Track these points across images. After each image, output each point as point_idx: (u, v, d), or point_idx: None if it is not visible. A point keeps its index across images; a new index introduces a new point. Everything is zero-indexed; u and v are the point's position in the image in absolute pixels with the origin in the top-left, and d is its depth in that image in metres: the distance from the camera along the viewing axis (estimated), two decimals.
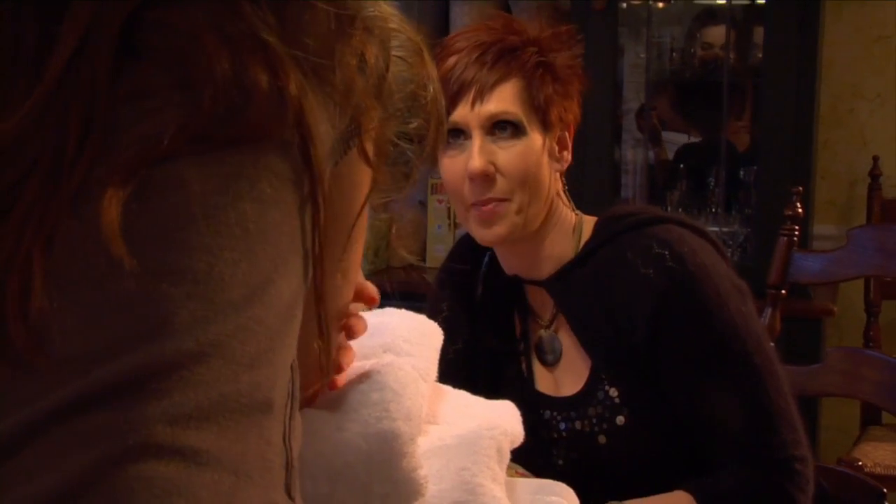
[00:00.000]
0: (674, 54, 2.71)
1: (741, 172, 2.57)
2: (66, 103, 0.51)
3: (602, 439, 1.28)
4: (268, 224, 0.55)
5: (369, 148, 0.64)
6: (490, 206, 1.27)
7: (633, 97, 2.68)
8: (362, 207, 0.71)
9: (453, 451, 0.78)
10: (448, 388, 1.03)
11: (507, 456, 0.82)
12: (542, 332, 1.36)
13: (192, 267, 0.51)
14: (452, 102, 1.27)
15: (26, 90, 0.51)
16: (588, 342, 1.30)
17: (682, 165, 2.65)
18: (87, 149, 0.50)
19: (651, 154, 2.71)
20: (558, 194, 1.33)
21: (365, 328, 0.82)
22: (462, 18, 2.65)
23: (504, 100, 1.26)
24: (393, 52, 0.68)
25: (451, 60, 1.28)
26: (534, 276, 1.34)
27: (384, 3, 0.68)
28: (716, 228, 2.49)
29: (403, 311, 1.03)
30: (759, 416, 1.23)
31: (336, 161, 0.63)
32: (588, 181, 2.46)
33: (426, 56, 0.71)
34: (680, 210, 2.51)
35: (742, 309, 1.25)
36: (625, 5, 2.56)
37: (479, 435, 0.80)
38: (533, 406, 1.35)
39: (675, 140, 2.85)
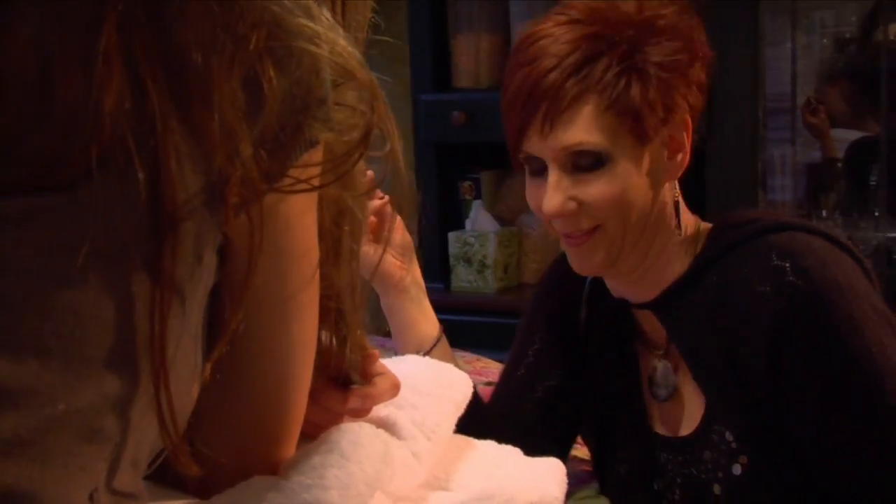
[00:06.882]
0: (848, 43, 2.46)
1: None
2: None
3: (717, 489, 1.10)
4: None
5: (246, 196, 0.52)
6: (582, 238, 1.11)
7: (785, 89, 2.44)
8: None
9: None
10: (481, 444, 0.90)
11: None
12: (657, 363, 1.18)
13: None
14: (522, 129, 1.10)
15: None
16: (701, 375, 1.12)
17: (839, 164, 2.40)
18: None
19: (818, 153, 2.48)
20: (668, 207, 1.14)
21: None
22: None
23: (578, 127, 1.07)
24: (335, 97, 0.56)
25: (519, 77, 1.10)
26: (641, 299, 1.17)
27: (332, 33, 0.55)
28: (879, 234, 2.23)
29: (425, 360, 0.93)
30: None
31: (211, 208, 0.52)
32: (729, 183, 2.24)
33: (382, 105, 0.58)
34: (836, 214, 2.26)
35: (882, 339, 1.02)
36: None
37: None
38: (648, 448, 1.18)
39: (843, 137, 2.58)
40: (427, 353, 1.20)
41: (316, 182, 0.57)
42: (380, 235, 1.19)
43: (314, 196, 0.60)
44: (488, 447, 0.89)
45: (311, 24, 0.55)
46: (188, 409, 0.57)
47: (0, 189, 0.48)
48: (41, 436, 0.48)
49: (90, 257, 0.48)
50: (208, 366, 0.56)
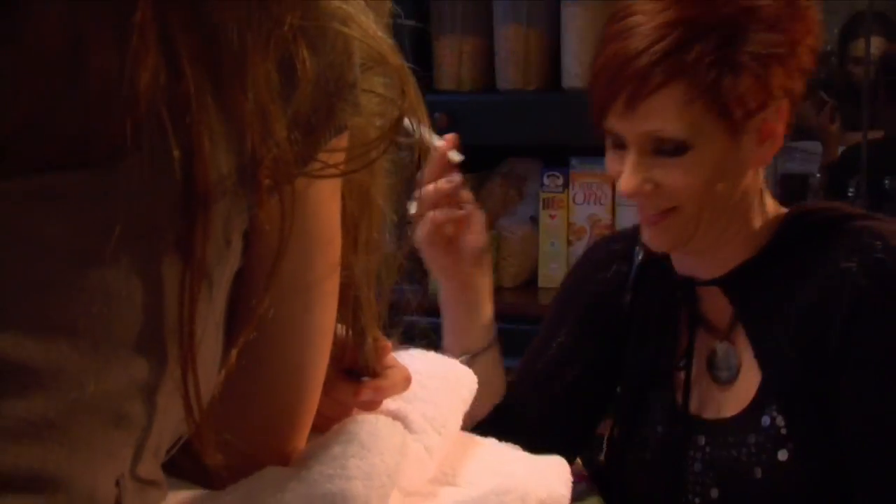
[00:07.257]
0: (828, 56, 2.48)
1: (886, 182, 2.32)
2: None
3: (758, 473, 1.09)
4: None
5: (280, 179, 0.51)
6: (657, 217, 1.10)
7: None
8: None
9: None
10: (485, 441, 0.89)
11: None
12: (717, 345, 1.17)
13: None
14: (605, 106, 1.09)
15: None
16: (765, 355, 1.10)
17: (818, 175, 2.41)
18: None
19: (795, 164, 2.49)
20: (751, 193, 1.13)
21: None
22: None
23: (662, 113, 1.05)
24: (362, 84, 0.56)
25: (607, 52, 1.09)
26: (710, 276, 1.16)
27: (364, 16, 0.55)
28: None
29: (429, 354, 0.91)
30: None
31: (236, 193, 0.51)
32: None
33: (413, 91, 0.58)
34: None
35: None
36: None
37: (485, 501, 0.68)
38: (684, 431, 1.16)
39: (815, 150, 2.60)
40: (471, 360, 1.16)
41: (343, 168, 0.57)
42: (465, 238, 1.17)
43: (339, 182, 0.59)
44: (492, 444, 0.89)
45: (344, 6, 0.54)
46: (209, 397, 0.55)
47: (31, 166, 0.46)
48: (69, 419, 0.46)
49: (121, 236, 0.47)
50: (233, 352, 0.55)
